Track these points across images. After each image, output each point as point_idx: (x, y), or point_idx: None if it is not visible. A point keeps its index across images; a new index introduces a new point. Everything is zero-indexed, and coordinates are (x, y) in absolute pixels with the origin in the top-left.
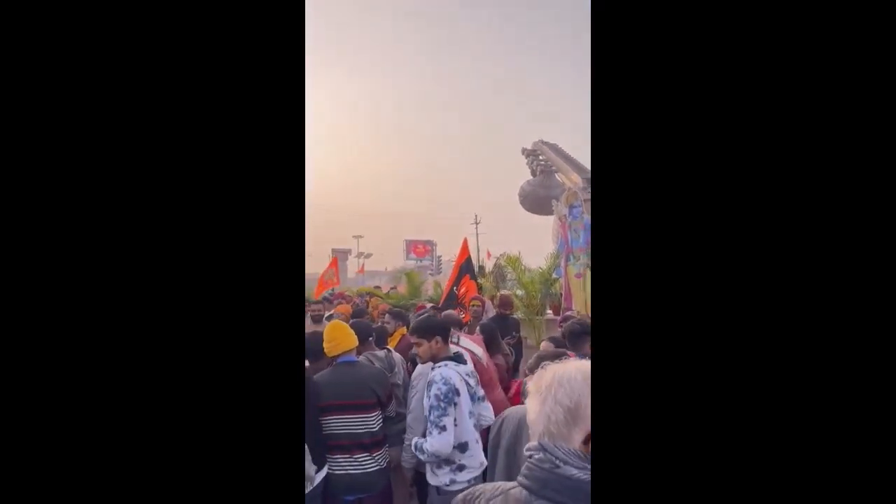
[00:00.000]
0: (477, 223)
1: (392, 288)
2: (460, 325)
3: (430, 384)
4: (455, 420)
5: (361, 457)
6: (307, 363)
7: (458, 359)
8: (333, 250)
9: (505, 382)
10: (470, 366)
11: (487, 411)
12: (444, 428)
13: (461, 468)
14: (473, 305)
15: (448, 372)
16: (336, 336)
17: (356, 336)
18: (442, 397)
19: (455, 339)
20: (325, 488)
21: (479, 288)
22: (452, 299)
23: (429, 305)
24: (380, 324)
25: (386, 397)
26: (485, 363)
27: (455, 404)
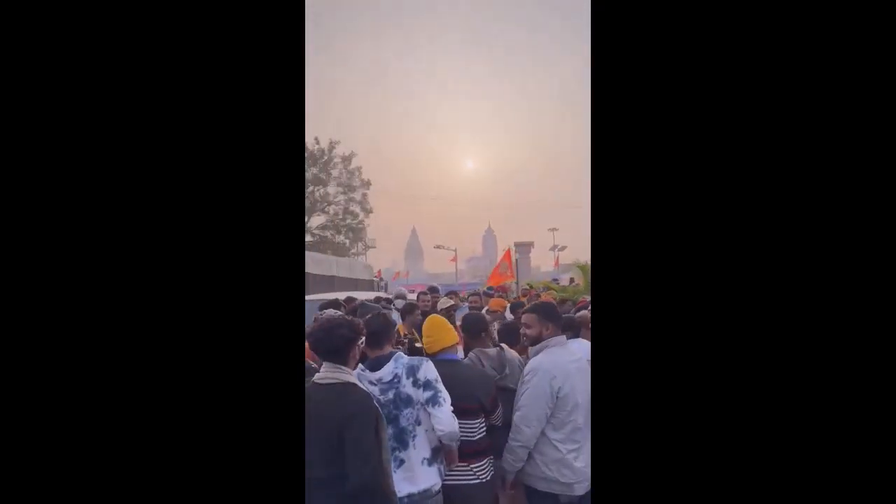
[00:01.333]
0: None
1: (571, 280)
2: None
3: None
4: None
5: (458, 467)
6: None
7: (372, 364)
8: (515, 244)
9: None
10: (383, 374)
11: (442, 424)
12: None
13: None
14: None
15: None
16: (433, 332)
17: (460, 331)
18: None
19: None
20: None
21: None
22: None
23: (588, 300)
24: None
25: (490, 402)
26: None
27: None
